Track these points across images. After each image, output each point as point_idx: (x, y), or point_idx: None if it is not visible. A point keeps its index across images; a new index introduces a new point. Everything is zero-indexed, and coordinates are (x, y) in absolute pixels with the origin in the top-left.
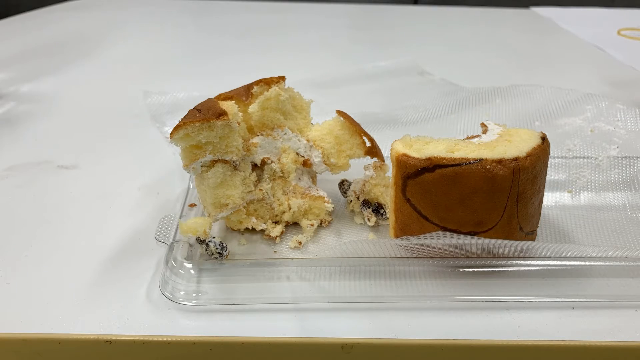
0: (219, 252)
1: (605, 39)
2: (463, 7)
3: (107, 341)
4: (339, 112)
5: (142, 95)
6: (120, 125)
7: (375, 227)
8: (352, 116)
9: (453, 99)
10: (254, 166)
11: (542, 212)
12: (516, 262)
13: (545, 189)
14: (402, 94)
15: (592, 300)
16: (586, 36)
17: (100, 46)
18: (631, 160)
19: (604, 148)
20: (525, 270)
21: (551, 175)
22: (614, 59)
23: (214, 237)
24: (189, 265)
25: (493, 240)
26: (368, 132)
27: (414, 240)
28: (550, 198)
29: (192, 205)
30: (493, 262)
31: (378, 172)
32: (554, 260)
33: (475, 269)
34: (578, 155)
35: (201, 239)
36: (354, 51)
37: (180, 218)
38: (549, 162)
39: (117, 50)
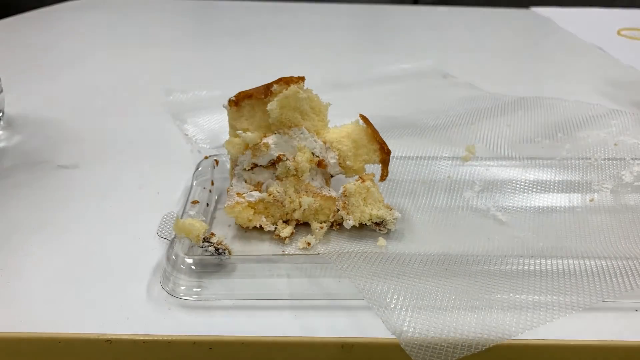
0: (217, 251)
1: (605, 39)
2: (463, 7)
3: (108, 340)
4: (362, 117)
5: (164, 92)
6: (120, 124)
7: (387, 234)
8: (370, 119)
9: (474, 107)
10: (271, 164)
11: (559, 216)
12: (516, 262)
13: (565, 191)
14: (422, 97)
15: (591, 300)
16: (586, 36)
17: (101, 46)
18: None
19: (627, 163)
20: (525, 270)
21: (569, 177)
22: (614, 59)
23: (215, 235)
24: (190, 261)
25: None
26: (387, 137)
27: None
28: (569, 201)
29: (195, 202)
30: (492, 263)
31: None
32: (554, 259)
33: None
34: (603, 157)
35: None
36: (355, 51)
37: (181, 216)
38: (570, 164)
39: (117, 50)
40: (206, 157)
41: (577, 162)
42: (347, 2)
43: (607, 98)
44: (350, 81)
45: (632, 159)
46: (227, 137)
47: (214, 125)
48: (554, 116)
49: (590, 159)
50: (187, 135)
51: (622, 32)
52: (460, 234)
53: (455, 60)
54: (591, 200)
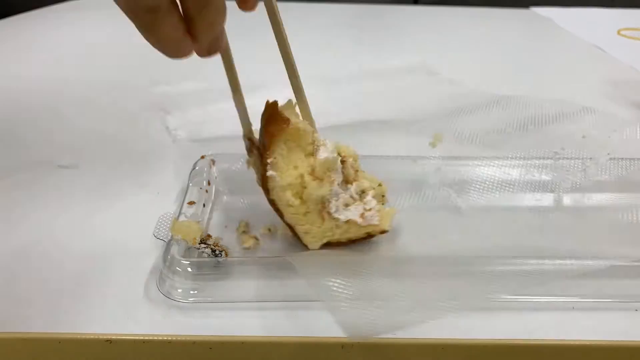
0: (214, 252)
1: (605, 39)
2: (463, 7)
3: (108, 340)
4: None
5: (148, 85)
6: (120, 124)
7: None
8: (359, 120)
9: (462, 104)
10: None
11: (529, 213)
12: (516, 261)
13: (531, 190)
14: (410, 95)
15: (592, 300)
16: (586, 36)
17: (100, 46)
18: (620, 162)
19: (595, 154)
20: (525, 269)
21: (537, 176)
22: (614, 59)
23: (212, 236)
24: (187, 263)
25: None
26: (376, 136)
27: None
28: (535, 199)
29: (191, 203)
30: (491, 264)
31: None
32: (554, 259)
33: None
34: (566, 156)
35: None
36: (355, 51)
37: (177, 217)
38: (537, 163)
39: (117, 50)
40: (202, 157)
41: (546, 159)
42: (347, 2)
43: (607, 98)
44: (347, 81)
45: (600, 149)
46: (209, 129)
47: (198, 119)
48: (528, 112)
49: (558, 152)
50: (167, 127)
51: (622, 32)
52: (427, 233)
53: (455, 60)
54: (559, 192)
